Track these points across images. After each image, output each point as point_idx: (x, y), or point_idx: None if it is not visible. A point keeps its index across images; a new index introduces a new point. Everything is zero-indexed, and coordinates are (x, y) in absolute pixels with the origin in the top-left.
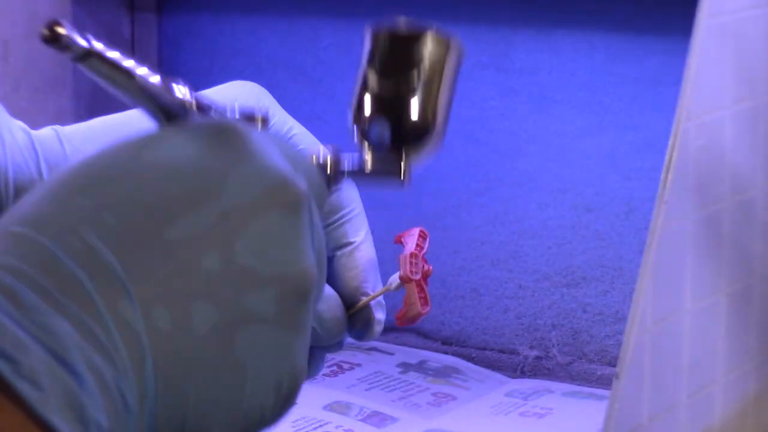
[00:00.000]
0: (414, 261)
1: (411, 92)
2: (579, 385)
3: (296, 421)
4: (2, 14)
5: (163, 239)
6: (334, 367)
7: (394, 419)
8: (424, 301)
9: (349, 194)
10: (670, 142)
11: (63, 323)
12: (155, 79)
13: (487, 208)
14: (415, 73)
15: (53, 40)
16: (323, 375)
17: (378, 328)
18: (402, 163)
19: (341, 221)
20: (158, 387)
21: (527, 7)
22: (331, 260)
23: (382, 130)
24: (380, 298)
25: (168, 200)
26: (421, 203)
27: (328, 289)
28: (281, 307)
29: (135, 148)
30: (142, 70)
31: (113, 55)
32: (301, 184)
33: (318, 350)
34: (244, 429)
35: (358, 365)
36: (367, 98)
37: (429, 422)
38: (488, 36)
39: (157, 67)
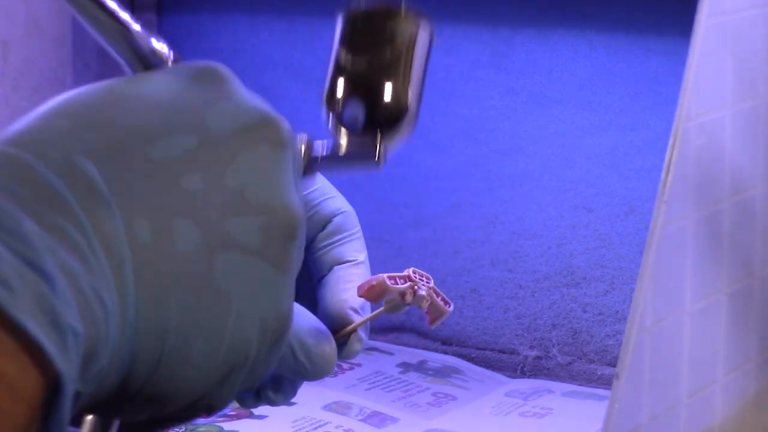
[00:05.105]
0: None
1: (384, 71)
2: (579, 385)
3: (296, 421)
4: (2, 14)
5: (145, 158)
6: (335, 367)
7: (394, 419)
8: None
9: (353, 220)
10: (670, 142)
11: (33, 226)
12: (136, 27)
13: (487, 208)
14: (388, 49)
15: None
16: None
17: (358, 347)
18: (378, 145)
19: (344, 240)
20: (138, 297)
21: (527, 7)
22: (327, 274)
23: (356, 112)
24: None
25: (150, 125)
26: (421, 203)
27: (318, 324)
28: (266, 241)
29: (116, 84)
30: (124, 15)
31: None
32: (286, 123)
33: (297, 381)
34: (226, 363)
35: (358, 365)
36: (341, 80)
37: (429, 422)
38: (488, 36)
39: None
